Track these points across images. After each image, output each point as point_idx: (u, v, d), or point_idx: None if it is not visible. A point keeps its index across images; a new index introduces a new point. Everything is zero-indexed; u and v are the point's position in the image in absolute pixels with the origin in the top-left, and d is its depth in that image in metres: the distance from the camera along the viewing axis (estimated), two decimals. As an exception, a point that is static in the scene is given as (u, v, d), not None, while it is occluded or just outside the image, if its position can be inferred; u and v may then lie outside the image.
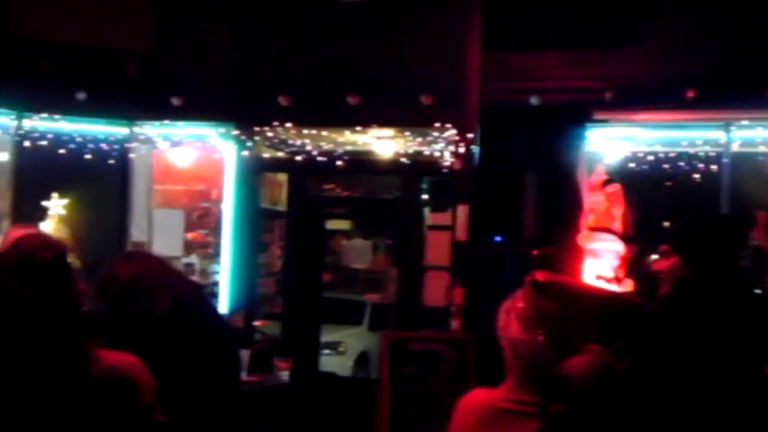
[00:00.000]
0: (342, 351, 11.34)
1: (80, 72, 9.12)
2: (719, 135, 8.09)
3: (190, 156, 9.69)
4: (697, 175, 8.39)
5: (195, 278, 9.70)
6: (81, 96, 8.93)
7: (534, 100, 8.02)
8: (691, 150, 8.36)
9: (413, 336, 7.19)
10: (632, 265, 7.16)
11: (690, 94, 7.66)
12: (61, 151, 9.03)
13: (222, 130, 9.14)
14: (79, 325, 2.27)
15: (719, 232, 3.09)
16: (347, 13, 8.82)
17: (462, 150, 8.19)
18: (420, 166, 8.83)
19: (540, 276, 2.09)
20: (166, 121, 9.26)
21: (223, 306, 8.97)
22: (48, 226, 8.45)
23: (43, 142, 9.02)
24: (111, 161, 9.29)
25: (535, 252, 7.26)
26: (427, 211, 8.98)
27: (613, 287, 5.81)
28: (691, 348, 2.77)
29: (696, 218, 3.26)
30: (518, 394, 2.11)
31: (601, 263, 7.02)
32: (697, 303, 2.94)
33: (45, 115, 9.04)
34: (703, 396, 2.71)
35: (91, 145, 9.20)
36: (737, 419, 2.74)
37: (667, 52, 7.84)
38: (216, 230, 9.58)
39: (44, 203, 8.79)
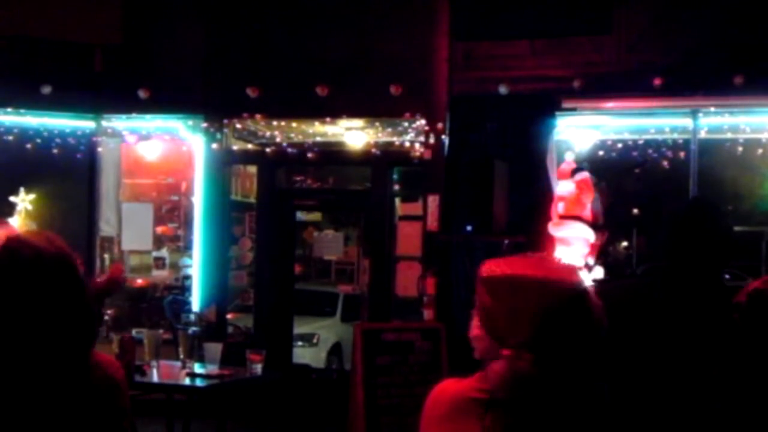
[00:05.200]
0: (315, 343, 11.32)
1: (46, 66, 9.02)
2: (687, 122, 8.15)
3: (159, 149, 9.62)
4: (665, 162, 8.46)
5: (166, 272, 9.68)
6: (47, 90, 8.83)
7: (503, 89, 8.03)
8: (660, 137, 8.43)
9: (386, 326, 7.20)
10: (602, 252, 7.23)
11: (657, 81, 7.71)
12: (28, 145, 8.94)
13: (191, 122, 9.08)
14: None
15: (676, 219, 3.07)
16: (316, 4, 8.79)
17: (432, 140, 8.20)
18: (390, 157, 8.83)
19: (487, 266, 2.06)
20: (134, 115, 9.18)
21: (195, 299, 8.94)
22: (15, 222, 8.36)
23: (9, 137, 8.93)
24: (79, 155, 9.21)
25: (506, 241, 7.29)
26: (398, 201, 8.98)
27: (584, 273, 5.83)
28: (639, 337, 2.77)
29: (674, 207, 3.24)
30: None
31: (571, 250, 7.08)
32: (649, 292, 2.94)
33: (10, 109, 8.94)
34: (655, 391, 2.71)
35: (58, 140, 9.12)
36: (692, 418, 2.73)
37: (635, 40, 7.89)
38: (186, 223, 9.54)
39: (12, 198, 8.70)
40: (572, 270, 2.02)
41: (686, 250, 2.95)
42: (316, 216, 12.72)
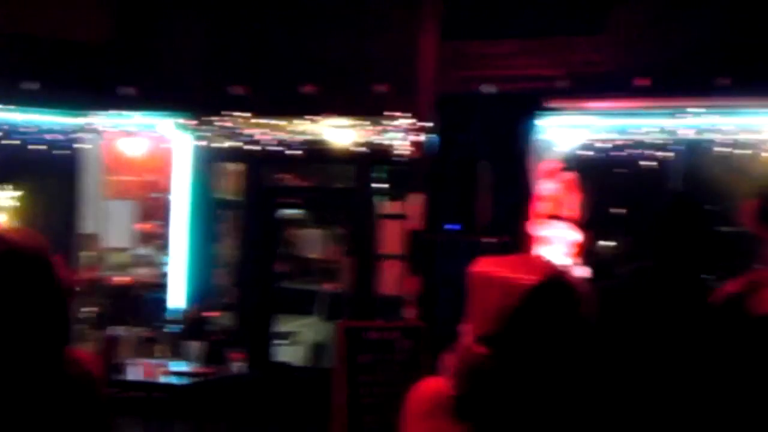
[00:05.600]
0: (297, 341, 11.29)
1: (31, 62, 8.94)
2: (671, 122, 8.16)
3: (143, 146, 9.56)
4: (650, 163, 8.46)
5: (148, 270, 9.62)
6: (32, 86, 8.75)
7: (489, 89, 8.01)
8: (645, 138, 8.43)
9: (368, 325, 7.17)
10: (586, 252, 7.22)
11: (644, 82, 7.71)
12: (12, 141, 8.85)
13: (175, 120, 9.02)
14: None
15: (661, 218, 3.07)
16: (305, 3, 8.75)
17: (418, 138, 8.17)
18: (375, 155, 8.79)
19: (474, 264, 2.04)
20: (121, 112, 9.11)
21: (178, 297, 8.88)
22: (1, 219, 8.30)
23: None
24: (62, 152, 9.12)
25: (490, 240, 7.28)
26: (382, 200, 8.95)
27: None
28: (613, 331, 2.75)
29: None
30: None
31: (553, 250, 7.07)
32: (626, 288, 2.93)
33: (-5, 105, 8.87)
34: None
35: (42, 136, 9.03)
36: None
37: (622, 41, 7.89)
38: (168, 221, 9.47)
39: (-6, 195, 8.63)
40: (549, 269, 1.98)
41: (671, 249, 2.94)
42: (299, 214, 12.68)
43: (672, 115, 8.09)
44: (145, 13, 9.07)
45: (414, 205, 8.01)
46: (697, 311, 2.63)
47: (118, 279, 9.45)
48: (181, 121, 8.98)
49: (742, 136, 8.22)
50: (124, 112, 9.10)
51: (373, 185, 8.89)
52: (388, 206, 8.73)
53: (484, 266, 2.01)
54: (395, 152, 8.50)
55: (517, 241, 7.20)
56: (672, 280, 2.94)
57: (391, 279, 8.16)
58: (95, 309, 8.86)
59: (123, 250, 9.69)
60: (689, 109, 7.98)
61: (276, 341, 9.76)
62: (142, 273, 9.61)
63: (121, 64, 8.99)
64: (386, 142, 8.80)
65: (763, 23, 7.57)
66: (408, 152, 8.27)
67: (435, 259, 7.93)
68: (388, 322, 7.61)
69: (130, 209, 9.68)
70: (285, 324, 10.64)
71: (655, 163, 8.39)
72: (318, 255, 12.64)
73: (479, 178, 7.57)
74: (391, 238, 8.29)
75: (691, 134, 8.16)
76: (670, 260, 2.96)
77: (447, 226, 7.65)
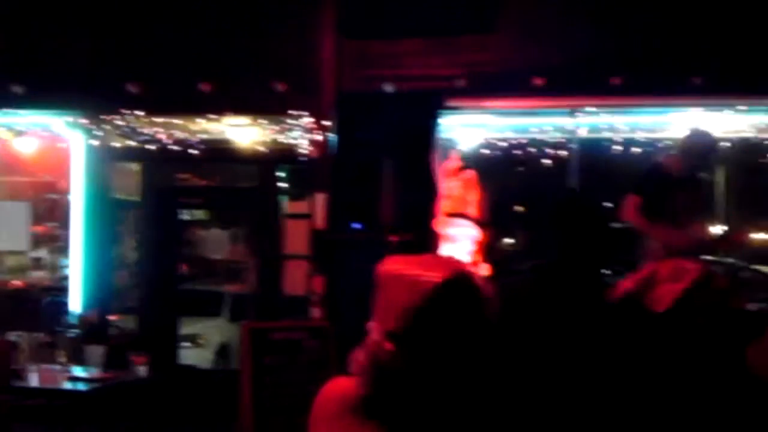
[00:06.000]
0: (201, 343, 11.15)
1: None
2: (567, 121, 8.37)
3: (36, 146, 9.30)
4: (547, 161, 8.67)
5: (44, 273, 9.38)
6: None
7: (389, 87, 8.07)
8: (542, 136, 8.64)
9: (274, 326, 7.15)
10: (487, 249, 7.35)
11: (539, 82, 7.88)
12: None
13: (69, 118, 8.80)
14: None
15: (555, 215, 3.13)
16: (200, 0, 8.65)
17: (319, 137, 8.18)
18: (277, 154, 8.77)
19: (381, 263, 2.08)
20: (9, 110, 8.84)
21: (77, 301, 8.68)
22: None
23: None
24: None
25: (393, 238, 7.34)
26: (285, 199, 8.93)
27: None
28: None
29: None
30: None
31: (457, 248, 7.18)
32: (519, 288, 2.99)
33: None
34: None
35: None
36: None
37: (518, 40, 8.04)
38: (65, 222, 9.25)
39: None
40: (455, 267, 2.02)
41: (567, 246, 3.00)
42: (201, 214, 12.53)
43: (567, 114, 8.30)
44: (26, 12, 8.80)
45: (318, 204, 8.02)
46: (594, 309, 2.69)
47: (14, 283, 9.19)
48: (72, 119, 8.76)
49: (635, 135, 8.50)
50: (14, 111, 8.83)
51: (278, 185, 8.86)
52: (292, 206, 8.71)
53: (392, 264, 2.04)
54: (299, 151, 8.49)
55: (421, 240, 7.28)
56: (568, 277, 3.00)
57: (297, 279, 8.14)
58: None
59: (18, 253, 9.42)
60: (584, 108, 8.21)
61: (180, 344, 9.64)
62: (39, 276, 9.37)
63: (5, 61, 8.71)
64: (290, 141, 8.79)
65: (655, 23, 7.83)
66: (310, 151, 8.27)
67: (339, 259, 7.96)
68: (294, 322, 7.60)
69: (25, 210, 9.41)
70: (189, 326, 10.51)
71: (551, 162, 8.61)
72: (222, 255, 12.54)
73: (382, 177, 7.62)
74: (296, 238, 8.27)
75: (585, 133, 8.39)
76: (565, 257, 3.02)
77: (351, 225, 7.69)
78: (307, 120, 8.34)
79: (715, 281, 2.50)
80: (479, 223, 7.39)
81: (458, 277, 1.98)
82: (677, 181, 6.59)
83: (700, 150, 6.59)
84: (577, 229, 3.04)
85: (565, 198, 3.44)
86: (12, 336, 6.78)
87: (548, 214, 3.13)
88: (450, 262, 2.07)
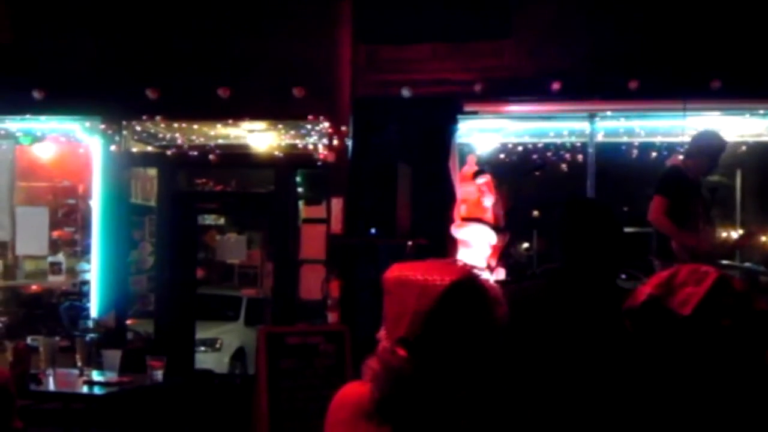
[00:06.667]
0: (218, 347, 11.19)
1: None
2: (584, 126, 8.35)
3: (55, 151, 9.37)
4: (564, 165, 8.65)
5: (63, 278, 9.43)
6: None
7: (406, 92, 8.08)
8: (558, 140, 8.62)
9: (290, 330, 7.15)
10: (504, 254, 7.33)
11: (556, 86, 7.87)
12: None
13: (88, 124, 8.85)
14: None
15: (568, 220, 3.11)
16: (218, 4, 8.68)
17: (335, 143, 8.19)
18: (294, 159, 8.79)
19: (389, 269, 2.08)
20: (29, 116, 8.90)
21: (94, 305, 8.72)
22: None
23: None
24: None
25: (409, 243, 7.33)
26: (301, 204, 8.94)
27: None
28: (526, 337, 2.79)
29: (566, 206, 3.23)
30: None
31: (473, 252, 7.16)
32: (540, 292, 2.97)
33: None
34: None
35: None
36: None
37: (534, 45, 8.03)
38: (84, 227, 9.31)
39: None
40: (465, 272, 2.02)
41: (578, 251, 2.99)
42: (218, 219, 12.58)
43: (584, 118, 8.28)
44: (43, 16, 8.85)
45: (335, 209, 8.02)
46: (612, 314, 2.67)
47: (33, 287, 9.25)
48: (91, 125, 8.81)
49: (652, 139, 8.47)
50: (34, 116, 8.89)
51: (295, 189, 8.88)
52: (309, 211, 8.72)
53: (399, 271, 2.05)
54: (316, 156, 8.51)
55: (437, 245, 7.27)
56: (580, 281, 2.99)
57: (313, 284, 8.14)
58: (5, 319, 8.68)
59: (37, 257, 9.48)
60: (601, 113, 8.18)
61: (197, 348, 9.67)
62: (58, 281, 9.41)
63: (24, 67, 8.77)
64: (307, 146, 8.81)
65: (671, 27, 7.80)
66: (326, 156, 8.28)
67: (355, 263, 7.96)
68: (311, 327, 7.61)
69: (43, 215, 9.47)
70: (206, 330, 10.55)
71: (568, 166, 8.59)
72: (239, 260, 12.58)
73: (398, 182, 7.62)
74: (312, 243, 8.28)
75: (602, 137, 8.36)
76: (577, 261, 3.01)
77: (368, 230, 7.69)
78: (324, 125, 8.35)
79: (734, 283, 2.49)
80: (495, 227, 7.37)
81: (466, 279, 1.98)
82: (698, 185, 6.55)
83: (713, 151, 6.54)
84: (589, 233, 3.03)
85: (576, 202, 3.42)
86: (30, 339, 6.82)
87: (560, 218, 3.12)
88: (457, 265, 2.07)
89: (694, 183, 6.49)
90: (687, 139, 7.94)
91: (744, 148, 8.48)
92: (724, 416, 2.42)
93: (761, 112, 8.01)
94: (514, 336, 2.00)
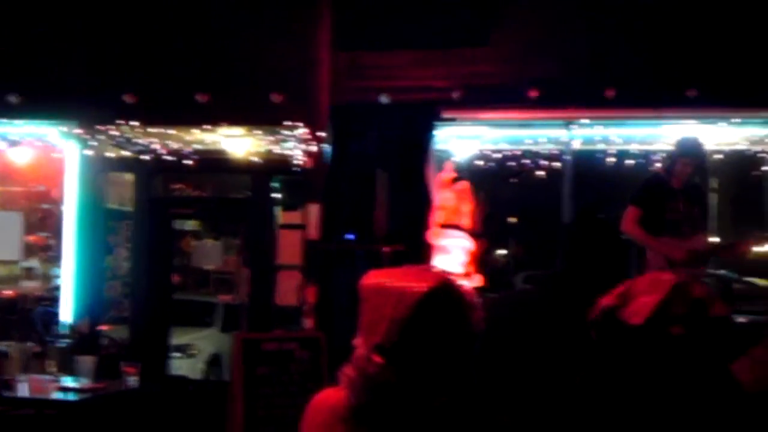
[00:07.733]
0: (193, 353, 11.13)
1: None
2: (561, 133, 8.38)
3: (30, 156, 9.28)
4: (541, 172, 8.68)
5: (36, 283, 9.34)
6: None
7: (384, 99, 8.08)
8: (536, 148, 8.65)
9: (266, 336, 7.13)
10: (481, 260, 7.35)
11: (533, 93, 7.90)
12: None
13: (63, 128, 8.78)
14: None
15: (573, 231, 3.14)
16: (195, 8, 8.65)
17: (313, 148, 8.18)
18: (271, 165, 8.76)
19: (366, 276, 2.07)
20: (4, 120, 8.82)
21: (67, 311, 8.64)
22: None
23: None
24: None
25: (387, 249, 7.33)
26: (278, 210, 8.91)
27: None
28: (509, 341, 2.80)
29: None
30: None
31: (450, 259, 7.17)
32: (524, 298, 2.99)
33: None
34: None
35: None
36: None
37: (512, 52, 8.06)
38: (58, 232, 9.22)
39: None
40: (442, 279, 2.01)
41: (582, 260, 3.02)
42: (194, 224, 12.51)
43: (561, 125, 8.32)
44: (21, 20, 8.78)
45: (312, 215, 8.00)
46: (579, 325, 2.69)
47: (5, 292, 9.16)
48: (67, 129, 8.74)
49: (629, 147, 8.52)
50: (11, 120, 8.81)
51: (272, 195, 8.85)
52: (286, 216, 8.69)
53: (375, 278, 2.04)
54: (293, 162, 8.49)
55: (415, 251, 7.27)
56: (572, 289, 3.01)
57: (290, 289, 8.11)
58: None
59: (10, 262, 9.39)
60: (578, 120, 8.21)
61: (172, 354, 9.61)
62: (31, 286, 9.33)
63: (3, 71, 8.70)
64: (284, 152, 8.78)
65: (649, 36, 7.86)
66: (304, 162, 8.26)
67: (332, 269, 7.94)
68: (287, 333, 7.58)
69: (17, 220, 9.39)
70: (181, 336, 10.49)
71: (545, 173, 8.62)
72: (215, 266, 12.52)
73: (376, 188, 7.62)
74: (289, 249, 8.25)
75: (579, 145, 8.40)
76: (567, 269, 3.04)
77: (345, 236, 7.68)
78: (302, 131, 8.33)
79: (691, 290, 2.49)
80: (473, 234, 7.38)
81: (443, 286, 1.98)
82: (677, 192, 6.59)
83: (694, 157, 6.59)
84: (587, 243, 3.06)
85: (580, 215, 3.47)
86: (2, 345, 6.75)
87: (565, 230, 3.15)
88: (433, 271, 2.07)
89: (676, 189, 6.53)
90: (663, 147, 8.00)
91: (720, 156, 8.54)
92: (681, 426, 2.42)
93: (737, 120, 8.07)
94: (504, 341, 2.00)
